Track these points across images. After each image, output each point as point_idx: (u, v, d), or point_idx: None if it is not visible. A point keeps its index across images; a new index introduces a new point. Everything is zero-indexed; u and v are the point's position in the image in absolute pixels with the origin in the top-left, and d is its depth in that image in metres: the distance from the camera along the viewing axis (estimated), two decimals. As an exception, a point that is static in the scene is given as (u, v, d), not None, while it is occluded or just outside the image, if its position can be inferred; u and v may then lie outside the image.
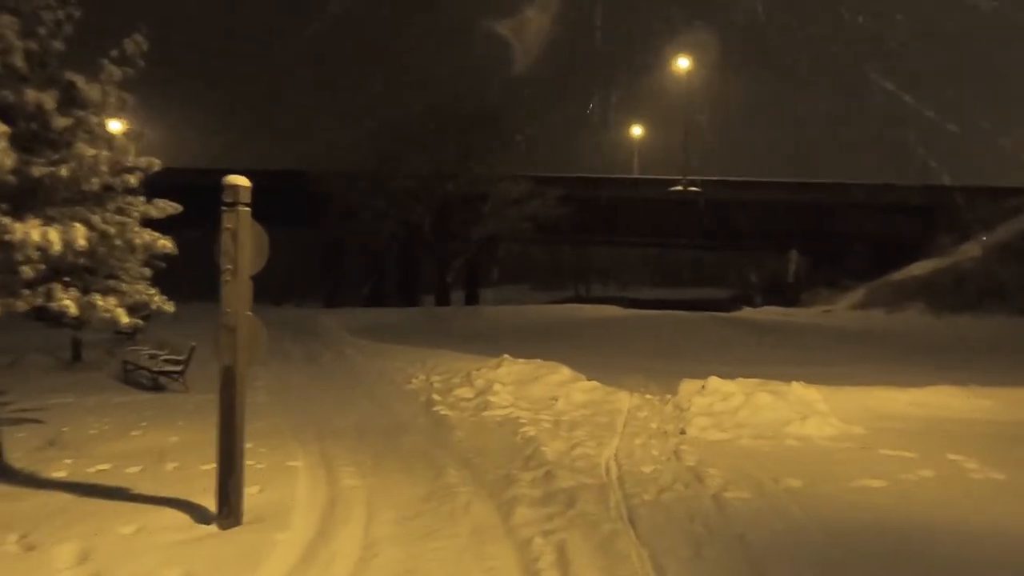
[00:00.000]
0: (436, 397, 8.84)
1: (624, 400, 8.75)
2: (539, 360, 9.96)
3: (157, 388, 9.42)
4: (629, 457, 6.29)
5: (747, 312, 30.95)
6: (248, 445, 6.36)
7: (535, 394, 8.83)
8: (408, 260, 35.19)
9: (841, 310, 30.45)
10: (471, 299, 35.56)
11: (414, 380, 9.87)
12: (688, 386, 8.77)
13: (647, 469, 5.92)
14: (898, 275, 30.60)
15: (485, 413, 8.05)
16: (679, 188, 36.36)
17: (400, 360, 11.17)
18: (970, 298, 26.69)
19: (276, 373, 10.69)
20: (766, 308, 31.27)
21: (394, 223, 30.11)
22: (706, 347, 17.08)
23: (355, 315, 23.39)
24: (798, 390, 8.33)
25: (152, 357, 9.85)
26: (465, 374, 9.74)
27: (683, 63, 37.61)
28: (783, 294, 34.59)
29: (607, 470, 5.86)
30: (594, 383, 9.20)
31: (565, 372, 9.52)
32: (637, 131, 40.87)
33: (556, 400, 8.55)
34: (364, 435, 6.92)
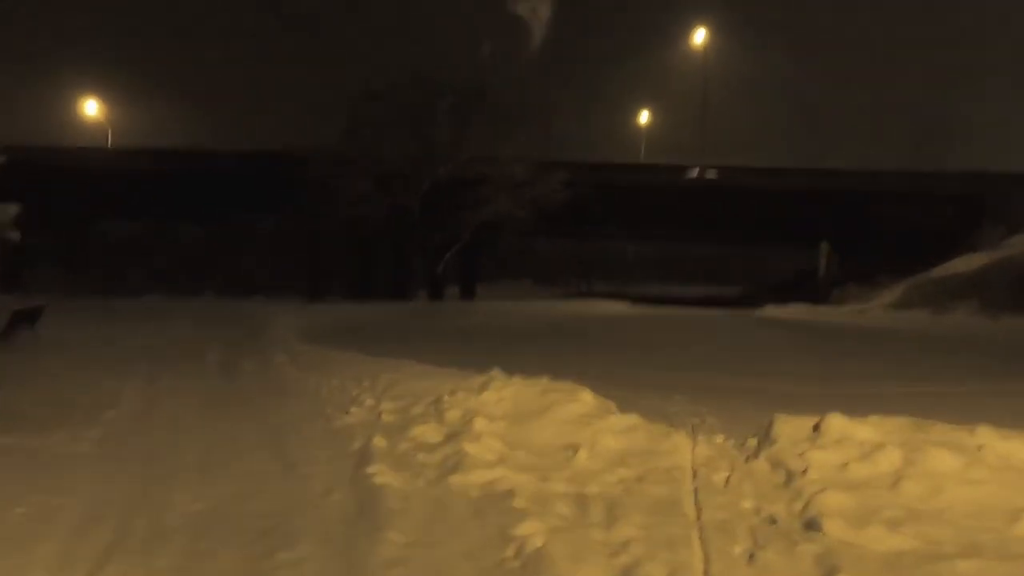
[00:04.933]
0: (380, 442, 5.45)
1: (683, 448, 5.35)
2: (546, 379, 6.57)
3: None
4: (745, 612, 2.92)
5: (774, 310, 27.78)
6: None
7: (541, 439, 5.46)
8: (398, 250, 31.94)
9: (877, 309, 27.37)
10: (467, 294, 32.50)
11: (354, 408, 6.47)
12: (787, 427, 5.34)
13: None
14: (940, 271, 27.41)
15: (454, 478, 4.68)
16: (694, 175, 32.98)
17: (344, 375, 7.72)
18: (1029, 297, 23.64)
19: (153, 393, 7.28)
20: (793, 306, 28.11)
21: (379, 209, 26.81)
22: (753, 354, 13.68)
23: (327, 312, 20.03)
24: (986, 437, 4.93)
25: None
26: (433, 400, 6.37)
27: (700, 36, 34.33)
28: (811, 291, 31.21)
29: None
30: (633, 418, 5.81)
31: (587, 399, 6.12)
32: (645, 114, 37.46)
33: (576, 451, 5.19)
34: (207, 547, 3.49)
